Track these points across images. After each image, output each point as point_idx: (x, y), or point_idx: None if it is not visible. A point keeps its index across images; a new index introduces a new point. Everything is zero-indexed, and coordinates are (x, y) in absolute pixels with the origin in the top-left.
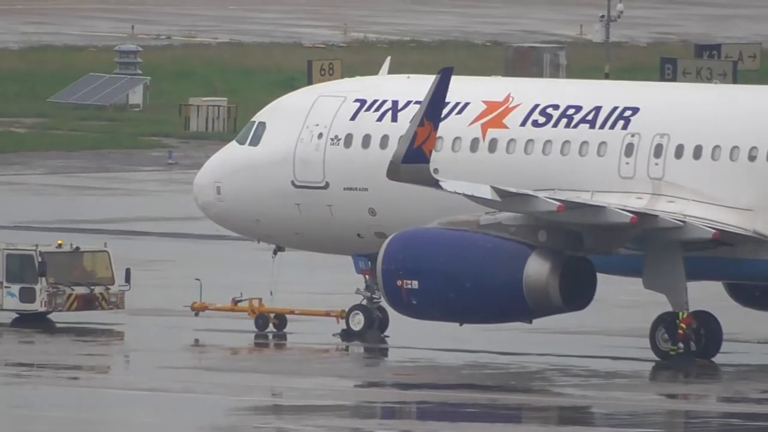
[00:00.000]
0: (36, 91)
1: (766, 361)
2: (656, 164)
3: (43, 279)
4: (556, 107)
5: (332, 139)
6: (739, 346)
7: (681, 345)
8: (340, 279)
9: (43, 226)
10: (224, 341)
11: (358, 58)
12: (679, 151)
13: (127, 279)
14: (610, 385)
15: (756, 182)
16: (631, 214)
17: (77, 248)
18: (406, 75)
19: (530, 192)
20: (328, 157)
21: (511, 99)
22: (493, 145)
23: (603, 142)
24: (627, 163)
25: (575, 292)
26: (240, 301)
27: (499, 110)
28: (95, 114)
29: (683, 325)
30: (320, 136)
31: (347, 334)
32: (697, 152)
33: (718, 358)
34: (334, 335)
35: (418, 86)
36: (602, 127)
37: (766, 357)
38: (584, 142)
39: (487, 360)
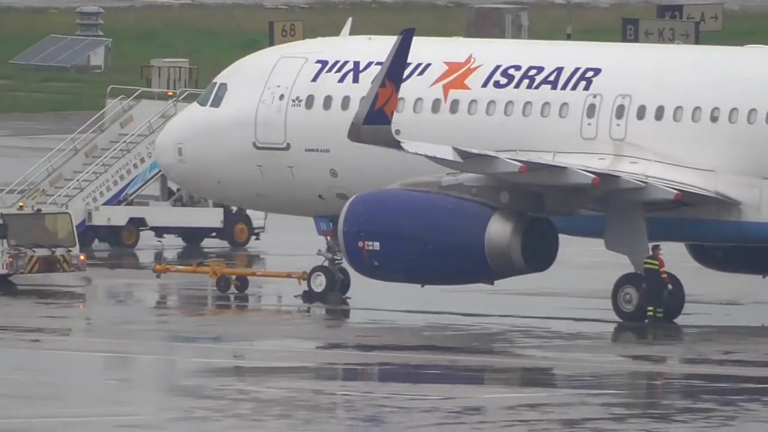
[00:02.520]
0: None
1: (728, 323)
2: (618, 125)
3: (5, 241)
4: (517, 68)
5: (294, 101)
6: (701, 308)
7: (660, 309)
8: (302, 240)
9: (4, 188)
10: (186, 303)
11: (320, 20)
12: (640, 112)
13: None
14: (573, 346)
15: (718, 143)
16: (592, 175)
17: (39, 210)
18: (368, 36)
19: (492, 153)
20: (290, 118)
21: (472, 60)
22: (454, 106)
23: (565, 103)
24: (589, 124)
25: (537, 253)
26: (202, 262)
27: (461, 71)
28: (57, 76)
29: (663, 269)
30: (282, 97)
31: (309, 296)
32: (659, 113)
33: (680, 320)
34: (295, 297)
35: (379, 47)
36: (564, 88)
37: (728, 318)
38: (546, 103)
39: (448, 321)
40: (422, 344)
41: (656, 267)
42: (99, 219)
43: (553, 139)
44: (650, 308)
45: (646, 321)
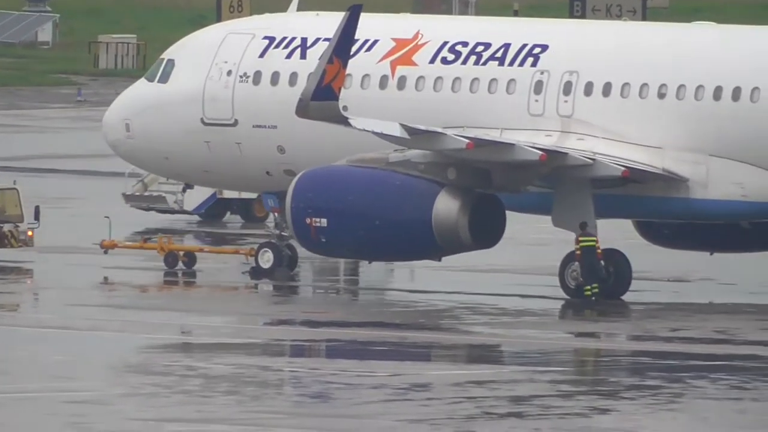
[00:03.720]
0: None
1: (676, 300)
2: (565, 101)
3: None
4: (465, 44)
5: (241, 77)
6: (648, 284)
7: (595, 285)
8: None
9: None
10: (133, 279)
11: None
12: (588, 89)
13: (36, 217)
14: (520, 323)
15: (665, 120)
16: (540, 152)
17: None
18: (316, 12)
19: (439, 129)
20: (237, 94)
21: (420, 36)
22: (402, 83)
23: (512, 80)
24: (536, 101)
25: (484, 230)
26: (149, 238)
27: (408, 47)
28: (4, 51)
29: (577, 246)
30: (229, 73)
31: (256, 272)
32: (607, 89)
33: (627, 297)
34: (243, 273)
35: (327, 23)
36: (511, 64)
37: (675, 295)
38: (493, 80)
39: (396, 298)
40: (370, 321)
41: (593, 244)
42: (230, 192)
43: (500, 115)
44: (587, 288)
45: (593, 299)
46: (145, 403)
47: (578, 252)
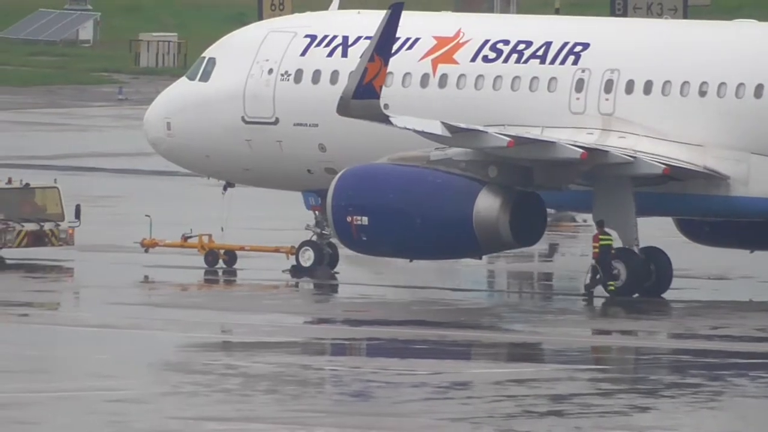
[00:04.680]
0: None
1: (716, 298)
2: (607, 99)
3: None
4: (506, 42)
5: (282, 75)
6: (689, 282)
7: (617, 281)
8: (290, 215)
9: None
10: (174, 278)
11: None
12: (629, 87)
13: (77, 215)
14: (561, 321)
15: (706, 117)
16: (581, 150)
17: (27, 184)
18: (357, 10)
19: (480, 127)
20: (278, 92)
21: (461, 34)
22: (443, 81)
23: (553, 78)
24: (577, 99)
25: (525, 228)
26: (190, 237)
27: (450, 45)
28: (45, 50)
29: (596, 245)
30: (270, 71)
31: (297, 271)
32: (648, 87)
33: (668, 295)
34: (283, 271)
35: (368, 21)
36: (552, 62)
37: (716, 293)
38: (534, 78)
39: (437, 296)
40: (410, 319)
41: (611, 242)
42: None
43: (541, 113)
44: (611, 283)
45: (636, 295)
46: (185, 401)
47: (596, 250)
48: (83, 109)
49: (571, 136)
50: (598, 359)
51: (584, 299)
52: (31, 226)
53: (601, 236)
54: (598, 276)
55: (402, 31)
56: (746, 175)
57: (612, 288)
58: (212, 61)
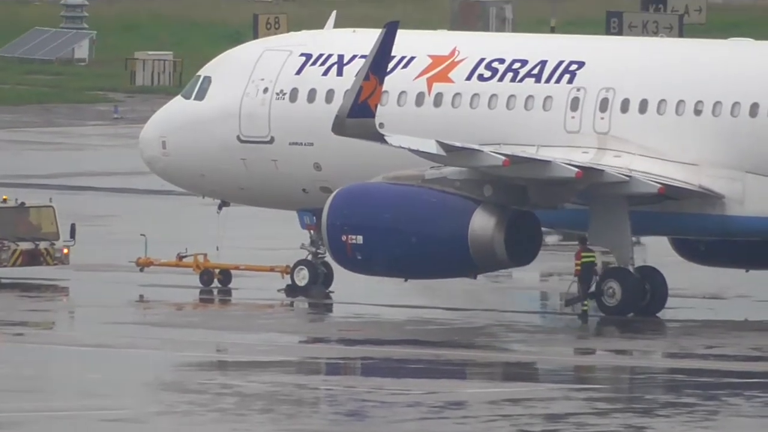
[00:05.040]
0: None
1: (712, 317)
2: (602, 118)
3: None
4: (501, 61)
5: (278, 94)
6: (684, 302)
7: (586, 302)
8: (285, 234)
9: None
10: (169, 297)
11: (304, 12)
12: (624, 106)
13: (72, 234)
14: (555, 340)
15: (701, 136)
16: (576, 169)
17: (22, 203)
18: (352, 29)
19: (475, 146)
20: (274, 111)
21: (456, 53)
22: (438, 100)
23: (548, 97)
24: (573, 118)
25: (520, 247)
26: (185, 256)
27: (445, 64)
28: (41, 68)
29: (578, 262)
30: (266, 90)
31: (292, 290)
32: (643, 106)
33: (663, 314)
34: (278, 291)
35: (363, 40)
36: (548, 81)
37: (711, 312)
38: (530, 96)
39: (431, 315)
40: (405, 338)
41: (594, 260)
42: None
43: (537, 132)
44: (586, 303)
45: (631, 314)
46: (180, 421)
47: (578, 268)
48: (79, 127)
49: (566, 155)
50: (593, 379)
51: (579, 318)
52: (26, 245)
53: (583, 253)
54: (578, 294)
55: (397, 50)
56: (741, 194)
57: (586, 308)
58: (208, 80)
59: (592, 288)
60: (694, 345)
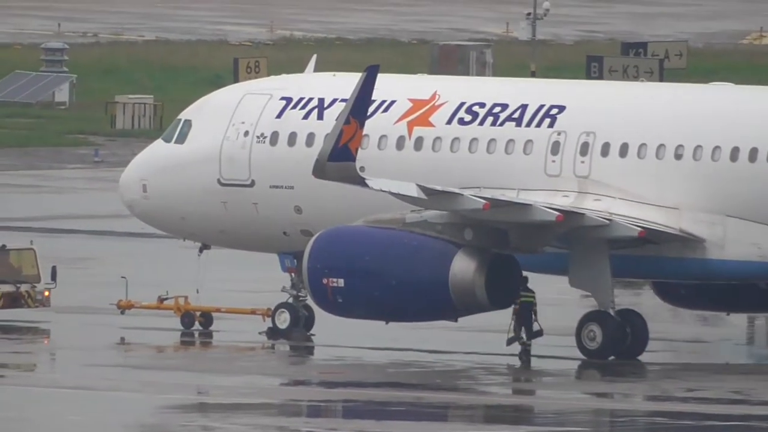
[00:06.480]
0: None
1: (692, 360)
2: (582, 162)
3: None
4: (482, 105)
5: (258, 137)
6: (665, 345)
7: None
8: (266, 277)
9: None
10: (150, 339)
11: (285, 56)
12: (605, 149)
13: (53, 277)
14: (536, 383)
15: (682, 180)
16: (557, 212)
17: (3, 246)
18: (332, 73)
19: (456, 190)
20: (254, 155)
21: (437, 97)
22: (419, 143)
23: (529, 140)
24: (553, 161)
25: (501, 290)
26: (166, 299)
27: (425, 108)
28: (21, 111)
29: (518, 301)
30: (246, 134)
31: (273, 333)
32: (623, 150)
33: (644, 357)
34: (260, 333)
35: (344, 84)
36: (528, 125)
37: (691, 356)
38: (510, 140)
39: (412, 358)
40: (386, 381)
41: (532, 300)
42: None
43: (517, 176)
44: (527, 341)
45: (612, 358)
46: None
47: (517, 307)
48: (59, 171)
49: (546, 199)
50: (574, 421)
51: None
52: (6, 288)
53: (522, 293)
54: (514, 333)
55: (378, 94)
56: (722, 238)
57: (528, 346)
58: (188, 123)
59: (536, 327)
60: (674, 388)
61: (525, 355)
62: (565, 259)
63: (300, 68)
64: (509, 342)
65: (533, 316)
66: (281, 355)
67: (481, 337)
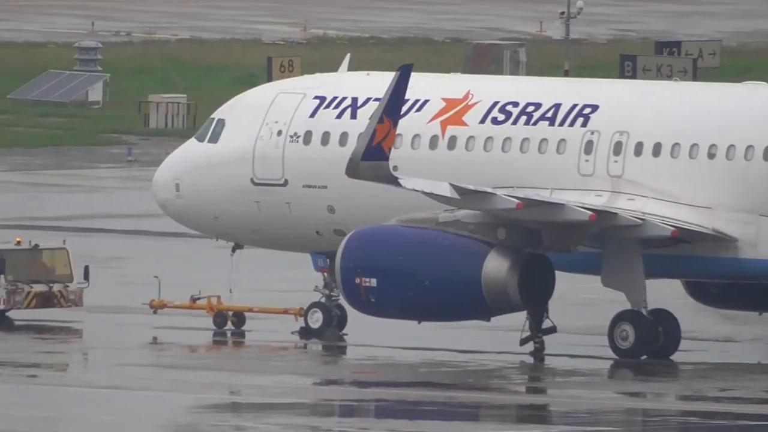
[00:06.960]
0: None
1: (724, 360)
2: (616, 162)
3: (2, 276)
4: (515, 104)
5: (291, 137)
6: (697, 344)
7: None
8: (299, 277)
9: (2, 224)
10: (183, 339)
11: (318, 55)
12: (638, 149)
13: (86, 276)
14: (568, 383)
15: (715, 180)
16: (590, 212)
17: (36, 245)
18: (366, 72)
19: (489, 189)
20: (288, 154)
21: (470, 96)
22: (452, 143)
23: (562, 140)
24: (586, 161)
25: (534, 289)
26: (198, 298)
27: (459, 107)
28: (55, 111)
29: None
30: (279, 133)
31: (306, 332)
32: (657, 150)
33: (676, 357)
34: (292, 333)
35: (377, 83)
36: (562, 124)
37: (724, 355)
38: (544, 140)
39: (445, 358)
40: (418, 381)
41: None
42: None
43: (550, 175)
44: (538, 338)
45: (644, 357)
46: None
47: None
48: (92, 170)
49: (579, 198)
50: (606, 421)
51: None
52: (39, 288)
53: None
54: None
55: (411, 93)
56: (755, 238)
57: (538, 345)
58: (221, 123)
59: (547, 324)
60: (707, 388)
61: (536, 353)
62: (598, 258)
63: (334, 67)
64: (522, 342)
65: (544, 313)
66: (314, 354)
67: (513, 336)
